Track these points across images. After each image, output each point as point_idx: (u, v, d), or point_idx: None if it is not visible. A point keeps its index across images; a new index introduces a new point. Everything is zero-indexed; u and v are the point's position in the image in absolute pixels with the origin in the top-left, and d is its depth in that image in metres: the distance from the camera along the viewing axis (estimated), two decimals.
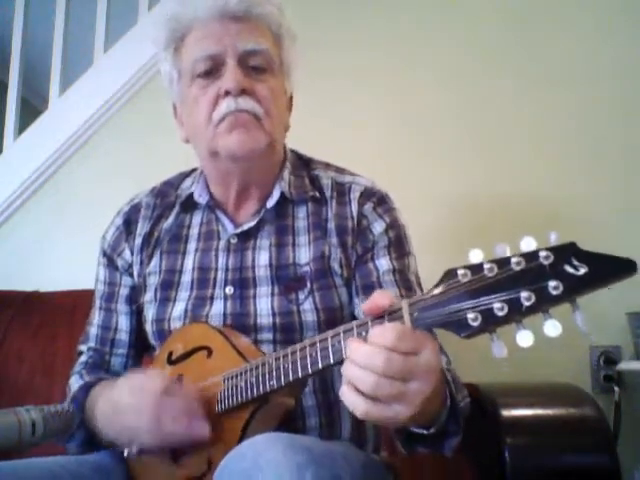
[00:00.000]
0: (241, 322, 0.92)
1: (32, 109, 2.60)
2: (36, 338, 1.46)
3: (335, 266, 0.95)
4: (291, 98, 1.06)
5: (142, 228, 1.05)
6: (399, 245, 0.98)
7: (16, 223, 1.84)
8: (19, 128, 1.95)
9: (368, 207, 0.99)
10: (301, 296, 0.93)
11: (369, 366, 0.58)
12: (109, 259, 1.06)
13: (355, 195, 1.00)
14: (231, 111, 0.90)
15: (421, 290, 0.96)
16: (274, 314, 0.92)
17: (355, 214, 0.98)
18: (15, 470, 0.79)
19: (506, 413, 1.04)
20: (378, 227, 0.98)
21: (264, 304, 0.93)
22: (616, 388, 1.52)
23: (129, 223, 1.06)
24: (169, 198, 1.07)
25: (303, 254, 0.96)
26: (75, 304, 1.48)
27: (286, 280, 0.94)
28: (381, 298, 0.63)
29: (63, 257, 1.79)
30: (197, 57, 0.93)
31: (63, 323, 1.46)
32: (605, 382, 1.55)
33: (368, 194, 1.00)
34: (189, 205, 1.03)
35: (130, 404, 0.81)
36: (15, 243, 1.82)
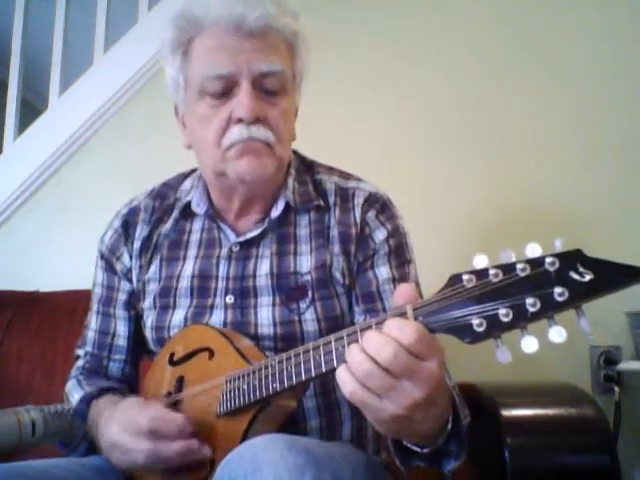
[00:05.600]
0: (242, 331, 0.91)
1: (32, 109, 2.60)
2: (36, 338, 1.46)
3: (337, 275, 0.94)
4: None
5: (141, 232, 1.03)
6: (400, 253, 0.97)
7: (16, 223, 1.84)
8: (19, 128, 1.95)
9: (371, 214, 0.97)
10: (302, 305, 0.92)
11: (373, 354, 0.57)
12: (107, 262, 1.05)
13: (359, 201, 0.98)
14: (243, 139, 0.88)
15: (421, 298, 0.95)
16: (275, 324, 0.91)
17: (359, 221, 0.96)
18: (15, 472, 0.78)
19: (506, 413, 1.04)
20: (380, 235, 0.96)
21: (265, 314, 0.92)
22: (616, 388, 1.52)
23: (127, 226, 1.04)
24: (168, 200, 1.05)
25: (305, 263, 0.94)
26: (75, 304, 1.47)
27: (287, 289, 0.93)
28: (406, 289, 0.63)
29: (63, 257, 1.79)
30: (208, 74, 0.88)
31: (63, 323, 1.46)
32: (605, 382, 1.55)
33: (372, 200, 0.98)
34: (188, 212, 1.02)
35: (124, 444, 0.80)
36: (15, 243, 1.82)
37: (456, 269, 0.59)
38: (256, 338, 0.91)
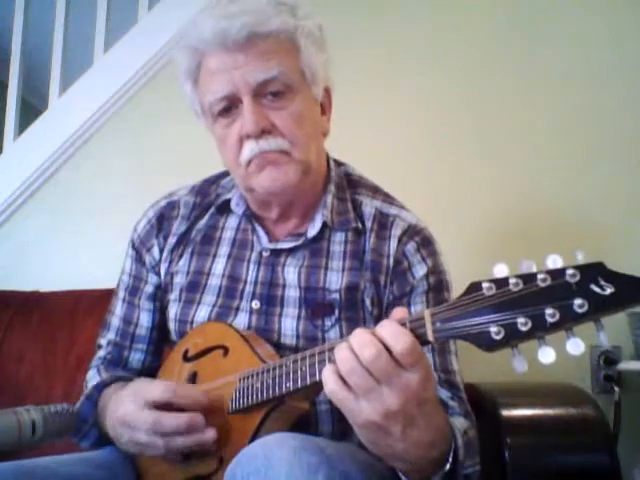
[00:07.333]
0: (264, 338, 0.91)
1: (32, 109, 2.60)
2: (36, 338, 1.46)
3: (367, 301, 0.93)
4: (328, 92, 0.99)
5: (178, 227, 1.03)
6: (438, 292, 0.94)
7: (16, 223, 1.84)
8: (19, 128, 1.95)
9: (411, 247, 0.95)
10: (327, 323, 0.91)
11: (356, 352, 0.59)
12: (137, 252, 1.05)
13: (396, 232, 0.96)
14: (255, 154, 0.89)
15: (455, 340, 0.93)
16: (298, 336, 0.91)
17: (392, 252, 0.94)
18: (18, 470, 0.78)
19: (506, 413, 1.04)
20: (420, 270, 0.94)
21: (289, 324, 0.92)
22: (616, 388, 1.52)
23: (162, 219, 1.04)
24: (209, 197, 1.05)
25: (334, 280, 0.93)
26: (75, 304, 1.47)
27: (314, 304, 0.92)
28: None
29: (63, 257, 1.78)
30: (211, 100, 0.90)
31: (63, 323, 1.46)
32: (605, 382, 1.55)
33: (411, 233, 0.96)
34: (225, 208, 1.02)
35: (129, 417, 0.80)
36: (15, 243, 1.82)
37: (457, 270, 0.59)
38: (277, 346, 0.90)
